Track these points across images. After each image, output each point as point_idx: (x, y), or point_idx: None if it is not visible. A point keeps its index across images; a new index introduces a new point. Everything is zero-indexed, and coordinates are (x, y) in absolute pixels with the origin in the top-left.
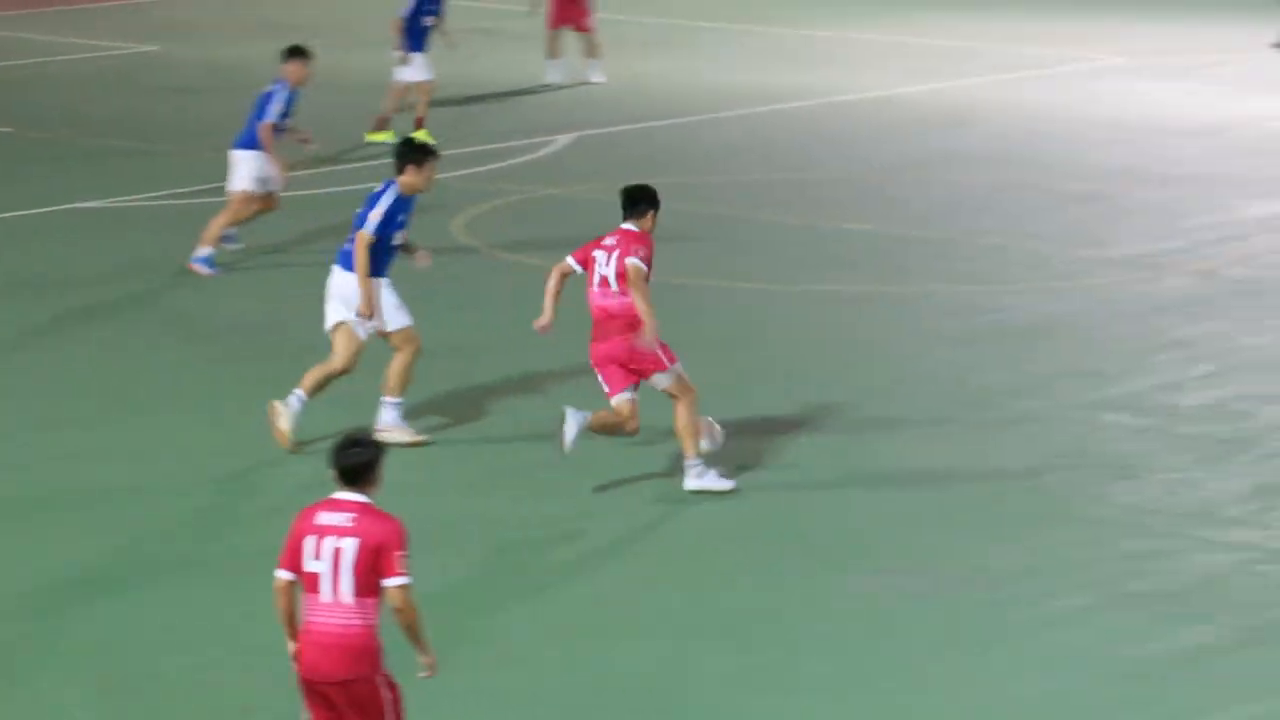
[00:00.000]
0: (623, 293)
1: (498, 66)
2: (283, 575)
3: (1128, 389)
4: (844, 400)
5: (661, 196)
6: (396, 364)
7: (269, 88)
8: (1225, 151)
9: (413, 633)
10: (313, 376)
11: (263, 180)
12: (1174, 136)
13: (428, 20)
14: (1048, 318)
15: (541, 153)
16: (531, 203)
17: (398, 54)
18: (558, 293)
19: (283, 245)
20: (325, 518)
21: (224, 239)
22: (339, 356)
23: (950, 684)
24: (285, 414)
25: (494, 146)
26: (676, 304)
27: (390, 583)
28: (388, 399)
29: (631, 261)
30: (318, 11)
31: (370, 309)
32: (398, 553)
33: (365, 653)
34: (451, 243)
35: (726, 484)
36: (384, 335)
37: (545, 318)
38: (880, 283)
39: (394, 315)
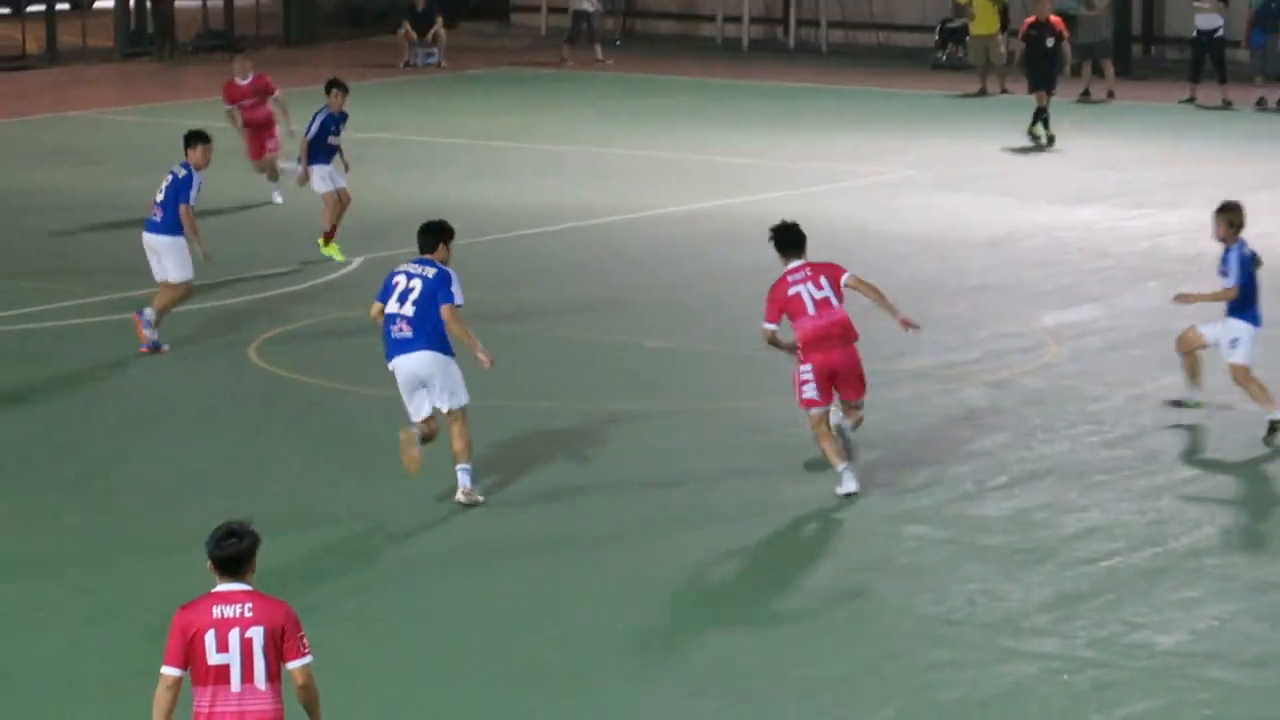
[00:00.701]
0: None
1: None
2: (173, 672)
3: (929, 500)
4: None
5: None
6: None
7: (179, 173)
8: (1017, 262)
9: (316, 707)
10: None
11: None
12: (968, 248)
13: (332, 139)
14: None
15: (335, 275)
16: (322, 325)
17: (300, 171)
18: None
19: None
20: (221, 610)
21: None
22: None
23: None
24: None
25: (289, 270)
26: (490, 423)
27: (296, 664)
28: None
29: (852, 274)
30: (102, 139)
31: (489, 356)
32: (299, 633)
33: None
34: (249, 367)
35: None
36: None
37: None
38: (681, 399)
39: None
